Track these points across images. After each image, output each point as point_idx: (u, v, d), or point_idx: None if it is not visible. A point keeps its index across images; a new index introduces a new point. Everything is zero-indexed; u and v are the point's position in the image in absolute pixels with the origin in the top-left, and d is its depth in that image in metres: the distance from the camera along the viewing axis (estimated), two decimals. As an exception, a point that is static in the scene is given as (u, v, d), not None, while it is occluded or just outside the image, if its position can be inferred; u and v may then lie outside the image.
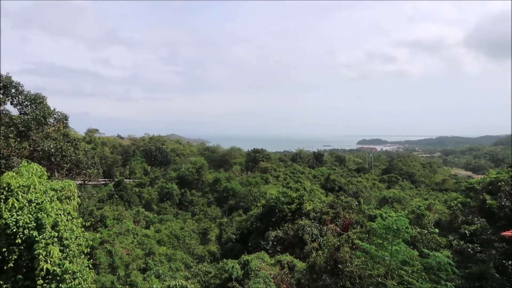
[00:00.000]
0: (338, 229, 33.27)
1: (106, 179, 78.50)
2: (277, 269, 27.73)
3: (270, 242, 35.18)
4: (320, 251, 26.62)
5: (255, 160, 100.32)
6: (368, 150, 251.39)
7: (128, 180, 75.74)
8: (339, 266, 22.02)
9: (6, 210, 9.82)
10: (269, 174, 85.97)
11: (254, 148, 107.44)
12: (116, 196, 61.31)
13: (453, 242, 25.80)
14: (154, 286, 17.79)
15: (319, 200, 44.54)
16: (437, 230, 26.79)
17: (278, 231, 36.13)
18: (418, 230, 26.97)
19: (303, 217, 36.69)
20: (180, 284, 17.20)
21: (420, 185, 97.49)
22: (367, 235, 23.92)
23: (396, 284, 17.27)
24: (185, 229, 48.82)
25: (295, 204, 38.50)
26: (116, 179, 73.07)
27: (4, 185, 10.37)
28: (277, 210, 38.59)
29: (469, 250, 24.27)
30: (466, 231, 26.65)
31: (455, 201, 33.05)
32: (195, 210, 63.32)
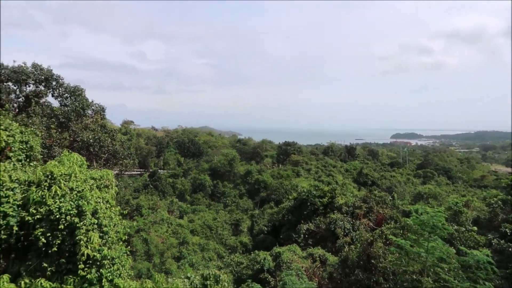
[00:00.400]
0: (371, 224, 32.70)
1: (141, 170, 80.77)
2: (308, 262, 27.64)
3: (302, 235, 35.08)
4: (352, 246, 26.28)
5: (286, 153, 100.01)
6: (402, 144, 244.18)
7: (162, 170, 77.55)
8: (372, 261, 21.67)
9: (49, 197, 10.28)
10: (301, 167, 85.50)
11: (285, 141, 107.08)
12: (151, 186, 62.98)
13: (492, 241, 24.75)
14: (188, 274, 18.12)
15: (351, 194, 43.88)
16: (475, 228, 25.76)
17: (310, 224, 35.95)
18: (455, 227, 26.05)
19: (335, 211, 36.32)
20: (213, 273, 17.43)
21: (457, 181, 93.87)
22: (401, 231, 23.39)
23: (432, 282, 16.79)
24: (217, 219, 49.52)
25: (327, 197, 38.14)
26: (150, 170, 75.00)
27: (48, 173, 10.85)
28: (308, 203, 38.38)
29: (510, 249, 23.20)
30: (507, 229, 25.48)
31: (495, 198, 31.61)
32: (227, 201, 64.03)
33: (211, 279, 17.26)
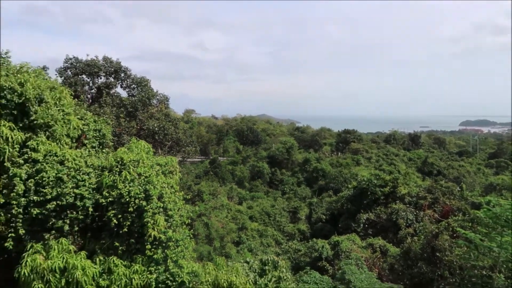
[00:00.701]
0: (437, 216, 31.12)
1: (202, 157, 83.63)
2: (368, 252, 27.08)
3: (361, 225, 34.41)
4: (415, 237, 25.25)
5: (345, 141, 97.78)
6: (473, 132, 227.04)
7: (221, 158, 79.65)
8: (437, 254, 20.70)
9: (120, 181, 11.06)
10: (361, 155, 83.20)
11: (345, 129, 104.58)
12: (211, 172, 65.07)
13: None
14: (247, 259, 18.61)
15: (415, 184, 41.97)
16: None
17: (370, 214, 35.10)
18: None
19: (397, 201, 35.09)
20: (271, 259, 17.73)
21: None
22: (470, 224, 22.08)
23: (504, 279, 15.68)
24: (275, 207, 50.02)
25: (388, 187, 36.89)
26: (211, 157, 77.39)
27: (118, 159, 11.66)
28: (369, 193, 37.42)
29: None
30: None
31: None
32: (285, 189, 64.31)
33: (269, 264, 17.57)
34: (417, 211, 32.66)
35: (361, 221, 34.67)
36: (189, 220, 12.83)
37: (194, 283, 11.05)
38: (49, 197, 10.35)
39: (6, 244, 10.12)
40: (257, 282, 15.95)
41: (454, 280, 19.99)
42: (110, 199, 10.90)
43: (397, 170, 67.72)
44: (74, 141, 12.83)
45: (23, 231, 10.29)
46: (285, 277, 16.93)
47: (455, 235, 21.79)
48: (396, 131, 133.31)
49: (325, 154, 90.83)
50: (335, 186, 57.76)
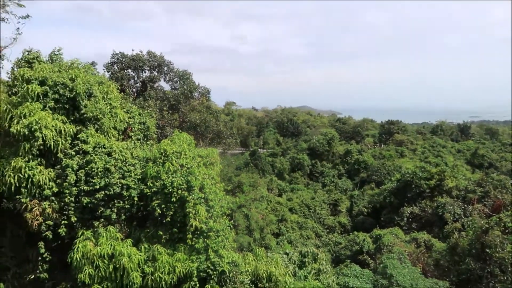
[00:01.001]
0: (487, 210, 29.65)
1: (242, 149, 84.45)
2: (412, 247, 26.33)
3: (405, 219, 33.51)
4: (463, 232, 24.20)
5: (389, 132, 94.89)
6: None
7: (262, 150, 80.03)
8: (487, 250, 19.76)
9: (163, 172, 11.45)
10: (405, 147, 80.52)
11: (389, 120, 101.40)
12: (251, 164, 65.61)
13: None
14: (287, 250, 18.70)
15: (463, 177, 40.11)
16: None
17: (414, 207, 34.09)
18: None
19: (444, 195, 33.78)
20: (311, 251, 17.70)
21: None
22: (525, 220, 20.83)
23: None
24: (315, 199, 49.69)
25: (434, 180, 35.55)
26: (251, 149, 77.93)
27: (162, 151, 12.06)
28: (413, 186, 36.28)
29: None
30: None
31: None
32: (326, 181, 63.65)
33: (309, 256, 17.57)
34: (465, 205, 31.29)
35: (404, 214, 33.73)
36: (229, 211, 13.05)
37: (234, 272, 11.27)
38: (97, 186, 10.93)
39: (59, 231, 10.83)
40: (297, 274, 16.01)
41: (505, 278, 19.04)
42: (154, 189, 11.32)
43: (444, 163, 64.96)
44: (120, 133, 13.39)
45: (75, 219, 10.96)
46: (324, 270, 16.87)
47: (507, 231, 20.71)
48: (444, 122, 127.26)
49: (368, 145, 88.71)
50: (378, 179, 56.44)
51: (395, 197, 38.44)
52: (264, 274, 12.31)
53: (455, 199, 32.89)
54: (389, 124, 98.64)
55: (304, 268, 16.80)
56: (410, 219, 33.60)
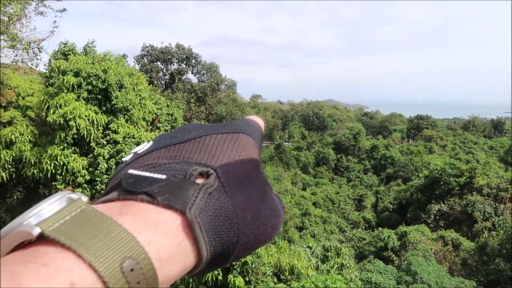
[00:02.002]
0: (520, 210, 28.64)
1: (267, 142, 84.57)
2: (439, 245, 25.83)
3: (432, 216, 32.84)
4: (493, 232, 23.54)
5: (418, 127, 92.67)
6: None
7: (286, 143, 79.92)
8: (518, 251, 19.16)
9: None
10: (434, 143, 78.49)
11: (418, 114, 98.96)
12: (276, 157, 65.70)
13: None
14: (310, 244, 18.77)
15: (495, 175, 38.79)
16: None
17: (442, 205, 33.32)
18: None
19: (474, 192, 32.83)
20: (334, 245, 17.71)
21: None
22: (560, 221, 20.04)
23: None
24: (340, 194, 49.33)
25: (464, 177, 34.58)
26: (276, 142, 78.01)
27: (188, 142, 12.34)
28: (442, 183, 35.43)
29: None
30: None
31: None
32: (351, 176, 63.00)
33: (332, 251, 17.58)
34: (496, 204, 30.32)
35: (432, 212, 33.06)
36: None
37: (256, 264, 11.45)
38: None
39: (91, 216, 11.31)
40: (319, 268, 16.07)
41: (537, 280, 18.45)
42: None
43: (476, 160, 62.96)
44: (149, 124, 13.78)
45: (107, 205, 11.42)
46: (347, 265, 16.85)
47: (540, 232, 19.98)
48: (477, 117, 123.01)
49: (395, 141, 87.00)
50: (405, 175, 55.39)
51: (423, 194, 37.68)
52: (286, 267, 12.43)
53: (486, 197, 31.92)
54: (418, 119, 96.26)
55: (327, 262, 16.84)
56: (437, 217, 32.90)
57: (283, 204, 0.54)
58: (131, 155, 0.50)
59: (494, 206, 30.05)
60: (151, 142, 0.51)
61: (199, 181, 0.42)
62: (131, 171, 0.44)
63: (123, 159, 0.50)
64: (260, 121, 0.60)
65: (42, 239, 0.33)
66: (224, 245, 0.41)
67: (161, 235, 0.36)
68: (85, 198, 0.38)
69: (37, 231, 0.33)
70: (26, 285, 0.28)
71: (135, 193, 0.39)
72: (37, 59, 12.67)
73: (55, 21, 13.00)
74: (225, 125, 0.52)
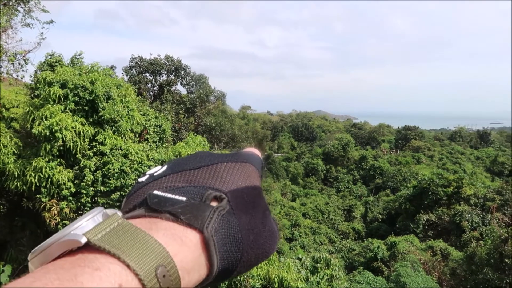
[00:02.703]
0: (506, 219, 28.93)
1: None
2: (428, 255, 25.91)
3: (421, 226, 33.02)
4: (481, 242, 23.71)
5: (406, 138, 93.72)
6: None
7: (276, 154, 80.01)
8: (506, 260, 19.30)
9: (178, 175, 11.62)
10: (422, 153, 79.36)
11: (405, 125, 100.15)
12: (265, 168, 65.44)
13: None
14: (300, 255, 18.66)
15: (482, 185, 39.30)
16: None
17: (431, 215, 33.57)
18: None
19: (462, 202, 33.17)
20: (324, 257, 17.63)
21: None
22: (546, 230, 20.28)
23: None
24: (329, 204, 49.39)
25: (452, 187, 34.95)
26: (265, 153, 78.04)
27: (177, 153, 12.26)
28: (430, 193, 35.74)
29: None
30: None
31: None
32: (340, 186, 63.21)
33: (321, 262, 17.49)
34: (484, 214, 30.62)
35: (420, 222, 33.24)
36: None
37: (245, 276, 11.33)
38: (113, 187, 11.16)
39: (76, 230, 11.08)
40: (309, 280, 15.95)
41: (524, 289, 18.56)
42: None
43: (463, 170, 63.84)
44: (137, 135, 13.66)
45: (92, 218, 11.20)
46: (337, 276, 16.76)
47: (527, 241, 20.17)
48: (463, 128, 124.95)
49: (383, 151, 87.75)
50: (393, 185, 55.77)
51: (411, 204, 37.92)
52: (275, 279, 12.31)
53: (473, 207, 32.23)
54: (406, 129, 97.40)
55: (316, 274, 16.73)
56: (426, 227, 33.08)
57: (278, 226, 0.62)
58: (147, 176, 0.58)
59: (481, 215, 30.33)
60: (165, 166, 0.59)
61: (213, 203, 0.50)
62: (155, 192, 0.51)
63: (139, 179, 0.58)
64: (258, 153, 0.70)
65: (87, 247, 0.40)
66: (230, 261, 0.49)
67: (185, 249, 0.44)
68: (120, 213, 0.47)
69: (84, 239, 0.40)
70: (86, 285, 0.36)
71: (160, 212, 0.47)
72: (22, 70, 12.52)
73: (42, 33, 12.90)
74: (233, 155, 0.61)
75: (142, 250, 0.40)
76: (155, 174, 0.57)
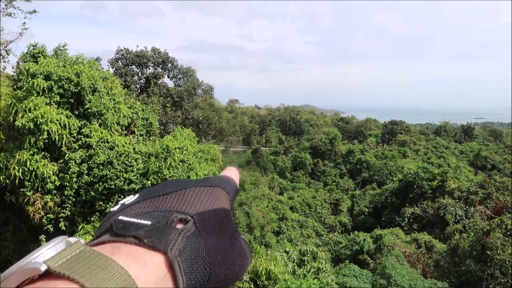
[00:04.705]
0: (489, 212, 29.59)
1: (244, 146, 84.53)
2: (413, 247, 26.35)
3: (406, 219, 33.51)
4: (464, 234, 24.22)
5: (392, 132, 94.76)
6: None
7: (264, 148, 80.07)
8: (488, 252, 19.76)
9: (165, 168, 11.53)
10: (408, 147, 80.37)
11: (392, 120, 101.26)
12: (253, 162, 65.67)
13: None
14: (287, 249, 18.77)
15: (466, 179, 40.04)
16: None
17: (416, 208, 34.08)
18: None
19: (446, 196, 33.75)
20: (311, 250, 17.79)
21: None
22: (526, 222, 20.81)
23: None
24: (317, 198, 49.74)
25: (436, 181, 35.51)
26: (253, 147, 78.00)
27: (164, 146, 12.15)
28: (415, 186, 36.26)
29: None
30: None
31: None
32: (327, 180, 63.67)
33: (308, 255, 17.65)
34: (467, 207, 31.23)
35: (405, 215, 33.73)
36: (230, 208, 13.11)
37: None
38: (98, 176, 11.03)
39: (60, 225, 10.93)
40: (296, 272, 16.09)
41: (506, 280, 19.05)
42: (155, 183, 11.42)
43: (447, 164, 64.90)
44: (123, 128, 13.49)
45: (77, 211, 11.05)
46: (324, 269, 16.95)
47: (508, 233, 20.68)
48: (448, 123, 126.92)
49: (370, 145, 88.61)
50: (379, 179, 56.40)
51: (397, 197, 38.43)
52: (263, 272, 12.37)
53: (457, 200, 32.83)
54: (392, 124, 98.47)
55: (303, 267, 16.88)
56: (411, 220, 33.59)
57: (250, 248, 0.63)
58: (119, 205, 0.58)
59: (464, 209, 30.92)
60: (137, 195, 0.60)
61: (179, 226, 0.52)
62: (120, 217, 0.53)
63: (111, 209, 0.58)
64: (236, 175, 0.70)
65: (49, 275, 0.41)
66: (198, 281, 0.49)
67: (148, 271, 0.45)
68: (83, 241, 0.48)
69: (44, 267, 0.41)
70: None
71: (125, 236, 0.48)
72: (4, 61, 12.22)
73: (25, 23, 12.60)
74: (203, 180, 0.62)
75: (104, 274, 0.41)
76: (126, 203, 0.58)
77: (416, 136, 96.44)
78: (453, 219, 29.99)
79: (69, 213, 11.03)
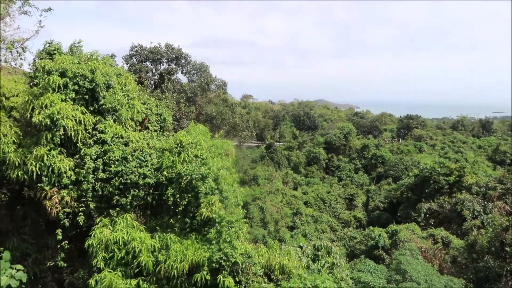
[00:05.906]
0: (508, 208, 28.97)
1: (258, 142, 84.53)
2: (429, 243, 26.01)
3: (422, 215, 33.09)
4: (482, 230, 23.77)
5: (408, 127, 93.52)
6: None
7: (278, 143, 79.95)
8: (507, 249, 19.36)
9: (179, 162, 11.59)
10: (424, 142, 79.25)
11: (408, 114, 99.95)
12: (267, 157, 65.65)
13: None
14: (301, 243, 18.72)
15: (484, 174, 39.27)
16: None
17: (432, 203, 33.62)
18: None
19: (463, 191, 33.18)
20: (325, 245, 17.69)
21: None
22: (547, 218, 20.27)
23: None
24: (331, 193, 49.48)
25: (453, 176, 34.94)
26: (267, 142, 77.95)
27: (178, 141, 12.21)
28: (431, 181, 35.76)
29: None
30: None
31: None
32: (342, 175, 63.26)
33: (322, 250, 17.56)
34: (485, 202, 30.64)
35: (422, 210, 33.30)
36: (242, 202, 13.13)
37: (247, 264, 11.34)
38: (113, 171, 11.16)
39: (77, 219, 11.09)
40: (310, 267, 16.03)
41: (525, 277, 18.64)
42: (169, 177, 11.51)
43: (464, 158, 63.77)
44: (137, 124, 13.59)
45: (93, 205, 11.21)
46: (338, 264, 16.85)
47: (528, 229, 20.19)
48: (465, 117, 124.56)
49: (385, 140, 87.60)
50: (395, 174, 55.80)
51: (413, 192, 37.97)
52: (277, 266, 12.34)
53: (475, 195, 32.24)
54: (408, 118, 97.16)
55: (317, 262, 16.81)
56: (427, 215, 33.15)
57: None
58: None
59: (483, 204, 30.34)
60: None
61: None
62: None
63: None
64: None
65: None
66: None
67: None
68: None
69: None
70: None
71: None
72: (21, 58, 12.43)
73: (40, 21, 12.77)
74: None
75: None
76: None
77: (432, 131, 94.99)
78: (470, 215, 29.46)
79: (91, 206, 11.19)
